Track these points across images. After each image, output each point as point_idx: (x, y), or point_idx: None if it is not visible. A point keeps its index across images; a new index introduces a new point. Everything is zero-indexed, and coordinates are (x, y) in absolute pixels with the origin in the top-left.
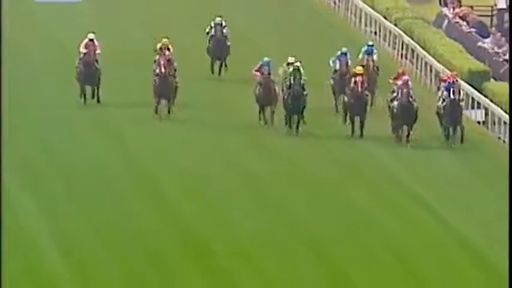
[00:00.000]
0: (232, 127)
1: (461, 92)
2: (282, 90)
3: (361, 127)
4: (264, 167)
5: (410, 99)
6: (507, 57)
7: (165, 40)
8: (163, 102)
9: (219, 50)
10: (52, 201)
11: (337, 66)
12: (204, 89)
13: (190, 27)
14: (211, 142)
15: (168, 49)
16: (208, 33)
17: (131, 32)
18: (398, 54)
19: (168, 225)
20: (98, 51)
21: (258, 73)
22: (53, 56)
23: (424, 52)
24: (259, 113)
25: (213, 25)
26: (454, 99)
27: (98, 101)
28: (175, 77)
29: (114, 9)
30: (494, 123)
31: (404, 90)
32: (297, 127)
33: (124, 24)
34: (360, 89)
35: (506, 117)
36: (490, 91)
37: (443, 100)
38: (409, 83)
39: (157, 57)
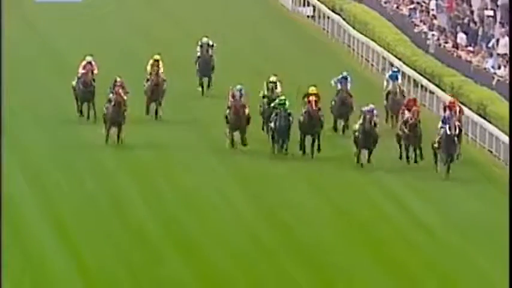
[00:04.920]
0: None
1: (459, 125)
2: (264, 113)
3: (312, 149)
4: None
5: (372, 124)
6: None
7: (156, 56)
8: (114, 129)
9: (205, 70)
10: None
11: (339, 87)
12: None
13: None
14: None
15: (158, 65)
16: (197, 52)
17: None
18: None
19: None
20: (96, 71)
21: (230, 98)
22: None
23: None
24: (229, 136)
25: (200, 45)
26: (450, 135)
27: (95, 115)
28: (125, 104)
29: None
30: (319, 17)
31: (368, 117)
32: (285, 150)
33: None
34: (312, 108)
35: (330, 13)
36: None
37: (439, 135)
38: (375, 111)
39: (149, 72)
